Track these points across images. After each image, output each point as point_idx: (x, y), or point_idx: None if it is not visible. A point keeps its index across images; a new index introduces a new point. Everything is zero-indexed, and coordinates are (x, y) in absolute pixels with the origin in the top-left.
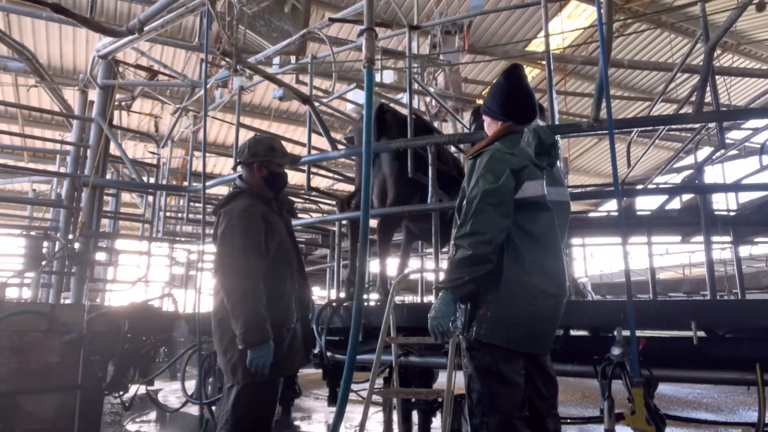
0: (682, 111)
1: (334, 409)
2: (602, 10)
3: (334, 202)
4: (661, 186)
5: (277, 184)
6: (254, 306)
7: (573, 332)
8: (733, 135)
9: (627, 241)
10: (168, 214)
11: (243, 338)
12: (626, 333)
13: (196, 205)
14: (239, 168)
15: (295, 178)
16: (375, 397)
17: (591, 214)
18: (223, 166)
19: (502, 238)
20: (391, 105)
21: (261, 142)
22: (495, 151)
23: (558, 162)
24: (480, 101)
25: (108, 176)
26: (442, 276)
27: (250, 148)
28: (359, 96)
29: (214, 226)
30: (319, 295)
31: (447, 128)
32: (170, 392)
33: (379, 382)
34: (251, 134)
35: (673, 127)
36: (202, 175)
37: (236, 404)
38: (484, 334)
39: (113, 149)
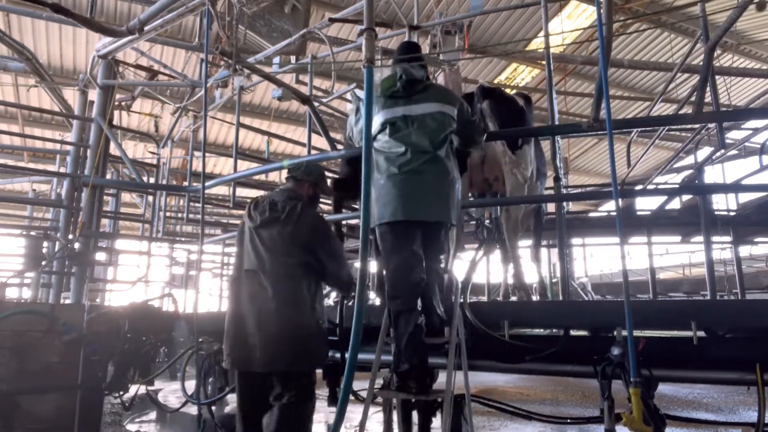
0: (682, 111)
1: (334, 409)
2: (602, 10)
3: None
4: (661, 186)
5: (314, 204)
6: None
7: (573, 332)
8: (733, 135)
9: (625, 242)
10: (168, 214)
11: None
12: (626, 333)
13: (196, 205)
14: (288, 180)
15: None
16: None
17: (591, 214)
18: (223, 166)
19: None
20: None
21: (317, 167)
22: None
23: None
24: None
25: (108, 176)
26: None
27: (307, 167)
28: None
29: (287, 212)
30: None
31: None
32: (170, 392)
33: (379, 382)
34: (251, 134)
35: (673, 127)
36: (201, 175)
37: None
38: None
39: (113, 149)
